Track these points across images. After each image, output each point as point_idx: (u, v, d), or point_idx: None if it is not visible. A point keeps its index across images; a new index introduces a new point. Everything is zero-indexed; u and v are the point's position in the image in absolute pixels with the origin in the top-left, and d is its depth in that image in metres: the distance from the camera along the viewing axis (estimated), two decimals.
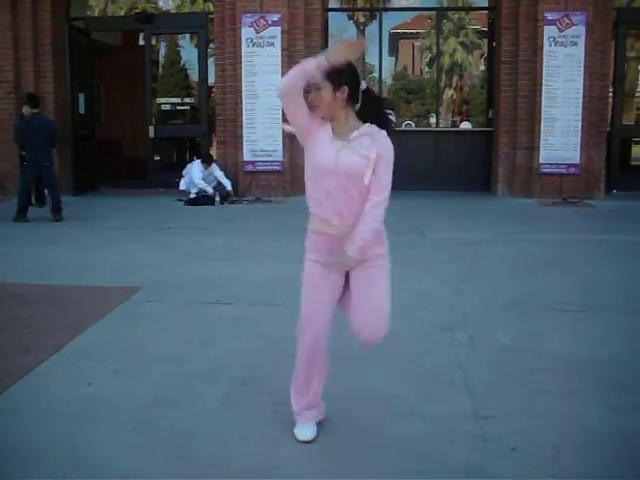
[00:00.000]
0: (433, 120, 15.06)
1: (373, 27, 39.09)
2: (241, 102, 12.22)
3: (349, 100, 3.17)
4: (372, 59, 22.56)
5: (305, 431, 3.36)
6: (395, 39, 47.26)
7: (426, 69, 45.70)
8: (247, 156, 12.30)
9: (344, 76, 3.13)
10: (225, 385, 4.06)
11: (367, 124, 3.19)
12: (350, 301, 3.34)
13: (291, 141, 12.29)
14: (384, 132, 3.18)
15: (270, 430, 3.46)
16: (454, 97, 40.64)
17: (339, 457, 3.23)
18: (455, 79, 43.48)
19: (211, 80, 13.80)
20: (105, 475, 3.05)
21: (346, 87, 3.13)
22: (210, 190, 11.72)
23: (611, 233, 9.07)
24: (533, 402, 3.75)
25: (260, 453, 3.25)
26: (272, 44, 12.06)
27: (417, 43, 45.69)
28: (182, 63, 23.14)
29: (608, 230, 9.34)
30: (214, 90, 13.39)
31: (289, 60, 12.08)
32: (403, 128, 13.85)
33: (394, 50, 48.48)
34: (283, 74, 10.54)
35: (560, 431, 3.47)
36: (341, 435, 3.42)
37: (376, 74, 15.27)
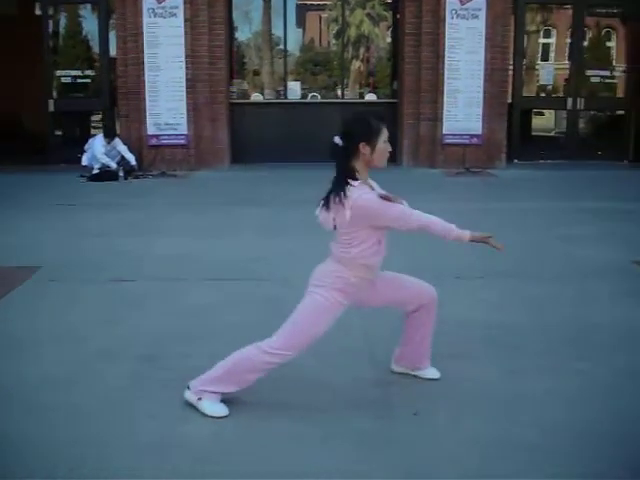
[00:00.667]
0: (340, 92, 15.13)
1: None
2: (144, 75, 11.93)
3: None
4: (278, 31, 22.76)
5: (220, 408, 3.37)
6: (302, 11, 46.97)
7: (333, 41, 45.59)
8: (151, 130, 12.04)
9: None
10: (130, 363, 4.01)
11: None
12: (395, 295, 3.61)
13: (196, 114, 12.13)
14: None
15: (175, 407, 3.43)
16: (361, 69, 40.77)
17: (244, 431, 3.24)
18: (362, 51, 43.55)
19: (114, 52, 13.40)
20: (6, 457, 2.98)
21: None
22: (113, 165, 11.43)
23: (512, 201, 9.33)
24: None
25: (166, 430, 3.23)
26: (174, 14, 11.79)
27: (324, 15, 45.44)
28: (84, 34, 22.32)
29: (509, 198, 9.61)
30: (116, 62, 13.03)
31: (192, 31, 11.87)
32: (309, 100, 13.80)
33: (301, 22, 48.21)
34: (186, 45, 10.25)
35: (460, 394, 3.58)
36: (244, 410, 3.43)
37: (282, 46, 15.12)
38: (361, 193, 3.25)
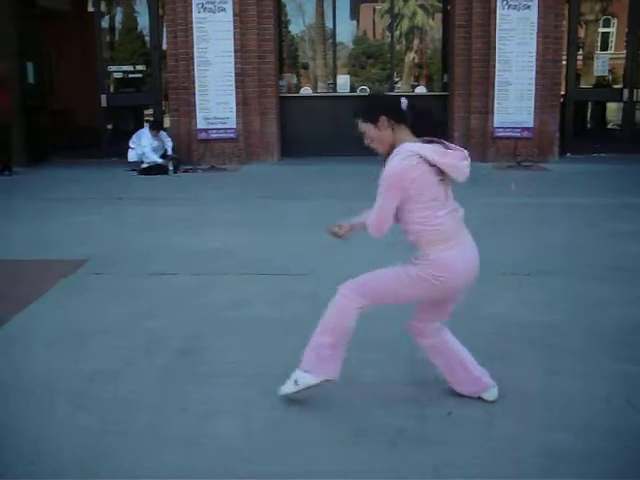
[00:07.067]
0: (391, 85, 15.09)
1: None
2: (193, 69, 12.02)
3: (393, 125, 3.17)
4: (331, 24, 22.54)
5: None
6: (356, 3, 46.78)
7: (387, 33, 45.27)
8: (201, 124, 12.13)
9: (375, 108, 3.21)
10: (166, 356, 4.03)
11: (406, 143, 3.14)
12: None
13: (244, 108, 12.17)
14: (401, 152, 3.10)
15: (207, 402, 3.45)
16: (415, 61, 40.43)
17: (275, 429, 3.23)
18: (416, 43, 43.17)
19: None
20: (45, 453, 3.03)
21: (383, 117, 3.14)
22: (160, 160, 11.49)
23: (563, 196, 9.13)
24: None
25: (196, 424, 3.24)
26: (223, 9, 11.84)
27: (378, 7, 45.20)
28: (137, 29, 22.54)
29: (560, 193, 9.41)
30: (167, 57, 13.14)
31: (241, 25, 11.91)
32: (358, 93, 13.73)
33: (355, 14, 48.00)
34: (235, 40, 10.24)
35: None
36: (277, 407, 3.42)
37: (334, 39, 15.09)
38: None
